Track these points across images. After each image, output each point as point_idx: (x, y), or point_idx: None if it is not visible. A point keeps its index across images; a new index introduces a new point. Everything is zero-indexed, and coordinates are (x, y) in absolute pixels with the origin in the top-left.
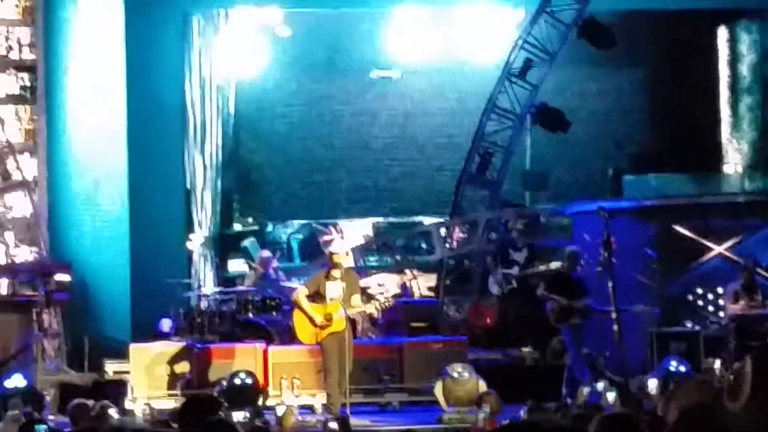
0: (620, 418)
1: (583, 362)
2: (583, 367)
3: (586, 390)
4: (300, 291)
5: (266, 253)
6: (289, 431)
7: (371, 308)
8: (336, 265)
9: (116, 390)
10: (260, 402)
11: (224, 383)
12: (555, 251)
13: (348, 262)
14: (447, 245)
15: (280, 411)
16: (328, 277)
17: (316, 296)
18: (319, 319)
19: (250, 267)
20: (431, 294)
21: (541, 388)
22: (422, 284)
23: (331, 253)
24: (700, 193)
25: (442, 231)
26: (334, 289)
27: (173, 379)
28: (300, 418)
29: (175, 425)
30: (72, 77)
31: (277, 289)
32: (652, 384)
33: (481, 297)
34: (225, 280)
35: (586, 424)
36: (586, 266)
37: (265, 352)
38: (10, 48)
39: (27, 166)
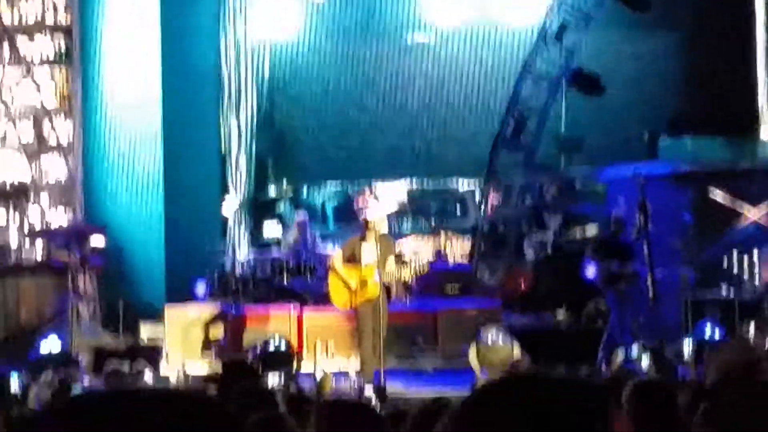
0: (654, 386)
1: (627, 328)
2: (626, 333)
3: (620, 355)
4: (336, 255)
5: (302, 217)
6: (326, 396)
7: (405, 273)
8: (371, 231)
9: (151, 354)
10: (294, 366)
11: (258, 347)
12: (590, 216)
13: (383, 227)
14: (481, 210)
15: (318, 376)
16: (363, 241)
17: (351, 260)
18: (353, 283)
19: (284, 229)
20: (465, 259)
21: (576, 353)
22: (457, 249)
23: (366, 220)
24: (736, 158)
25: (477, 195)
26: (369, 253)
27: (208, 343)
28: (334, 383)
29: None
30: (107, 40)
31: (312, 254)
32: (687, 349)
33: (516, 262)
34: (260, 244)
35: (619, 388)
36: (602, 235)
37: (300, 317)
38: (45, 10)
39: (62, 130)
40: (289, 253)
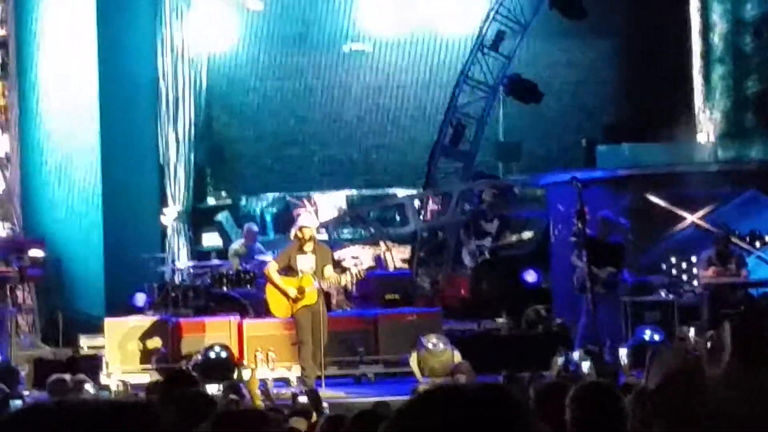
0: (597, 388)
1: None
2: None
3: (560, 359)
4: (271, 265)
5: (253, 227)
6: (260, 399)
7: (345, 280)
8: (307, 239)
9: (91, 365)
10: (235, 375)
11: (199, 357)
12: (527, 222)
13: (317, 235)
14: (420, 217)
15: (246, 375)
16: (299, 250)
17: (288, 270)
18: (292, 292)
19: (225, 239)
20: (405, 266)
21: (517, 358)
22: (396, 256)
23: (301, 227)
24: (673, 162)
25: (416, 203)
26: (305, 261)
27: (148, 354)
28: (275, 390)
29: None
30: (43, 53)
31: (252, 262)
32: (626, 353)
33: (455, 268)
34: (199, 254)
35: (562, 393)
36: (560, 236)
37: (240, 326)
38: None
39: None
40: (232, 261)
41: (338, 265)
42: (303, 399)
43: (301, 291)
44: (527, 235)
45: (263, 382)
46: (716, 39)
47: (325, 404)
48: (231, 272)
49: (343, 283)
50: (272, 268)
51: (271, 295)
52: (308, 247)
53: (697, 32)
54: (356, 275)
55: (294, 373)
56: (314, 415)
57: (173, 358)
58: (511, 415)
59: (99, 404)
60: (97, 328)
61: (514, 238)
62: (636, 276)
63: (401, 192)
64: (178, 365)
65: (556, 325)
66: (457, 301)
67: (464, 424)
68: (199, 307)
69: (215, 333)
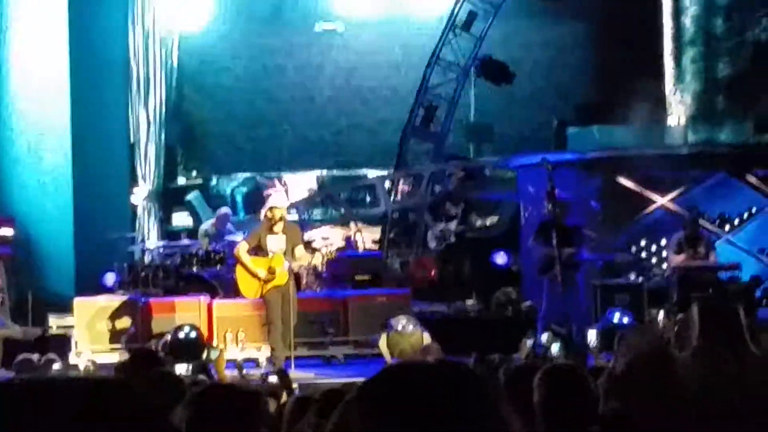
0: (564, 370)
1: (557, 314)
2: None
3: (529, 342)
4: (241, 246)
5: (226, 211)
6: (227, 380)
7: (316, 260)
8: (276, 219)
9: (60, 344)
10: (204, 356)
11: (168, 337)
12: (494, 206)
13: (287, 215)
14: (391, 198)
15: (213, 355)
16: (269, 230)
17: (258, 250)
18: (262, 273)
19: (195, 219)
20: (376, 247)
21: (486, 340)
22: (367, 237)
23: (271, 207)
24: (643, 145)
25: (387, 184)
26: (275, 242)
27: (117, 334)
28: (244, 371)
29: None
30: (13, 31)
31: (222, 242)
32: (595, 335)
33: (424, 250)
34: (169, 233)
35: (532, 375)
36: (530, 218)
37: (210, 306)
38: None
39: None
40: (201, 242)
41: (308, 246)
42: (273, 379)
43: (271, 271)
44: (492, 220)
45: (233, 363)
46: (688, 21)
47: (295, 385)
48: (201, 252)
49: (314, 263)
50: (242, 249)
51: (241, 275)
52: (278, 227)
53: (669, 14)
54: (327, 255)
55: (263, 353)
56: (284, 395)
57: (143, 338)
58: (475, 392)
59: (72, 381)
60: (66, 308)
61: (478, 222)
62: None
63: (372, 173)
64: (146, 345)
65: (525, 307)
66: (426, 282)
67: (426, 400)
68: (169, 287)
69: (185, 313)
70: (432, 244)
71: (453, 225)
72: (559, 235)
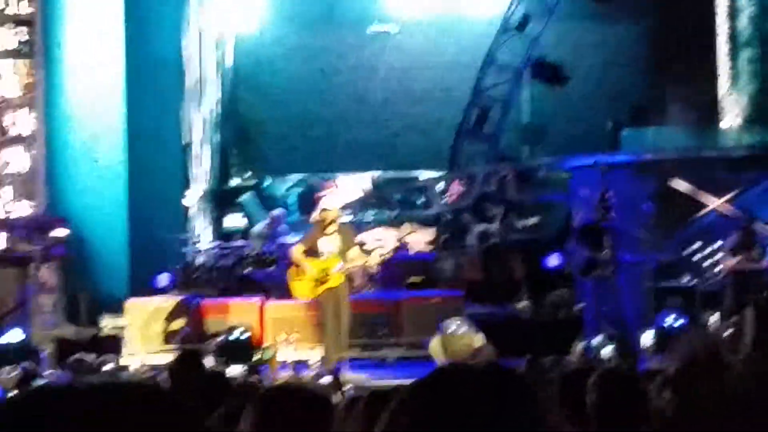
0: (617, 373)
1: (603, 316)
2: (602, 321)
3: (581, 344)
4: (296, 248)
5: (279, 211)
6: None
7: (372, 260)
8: (330, 221)
9: (113, 345)
10: (257, 357)
11: (221, 338)
12: (538, 206)
13: (342, 217)
14: (444, 200)
15: (267, 356)
16: (322, 232)
17: (312, 251)
18: (316, 275)
19: (250, 220)
20: (429, 248)
21: (539, 343)
22: (420, 239)
23: (323, 209)
24: (698, 147)
25: (440, 185)
26: (328, 243)
27: (170, 335)
28: (296, 373)
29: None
30: (70, 31)
31: (275, 244)
32: (649, 338)
33: (467, 251)
34: (222, 234)
35: (584, 379)
36: (585, 221)
37: (262, 307)
38: (7, 2)
39: (25, 121)
40: (254, 243)
41: (361, 247)
42: (326, 381)
43: (325, 273)
44: (533, 221)
45: (286, 364)
46: (744, 22)
47: (348, 386)
48: (254, 254)
49: (369, 264)
50: (298, 251)
51: (294, 277)
52: (331, 229)
53: (725, 15)
54: (383, 256)
55: (316, 355)
56: (337, 396)
57: (196, 339)
58: (524, 396)
59: (102, 386)
60: (120, 309)
61: (519, 223)
62: (660, 262)
63: (425, 174)
64: (199, 346)
65: (578, 310)
66: (477, 284)
67: (474, 403)
68: (222, 289)
69: (239, 314)
70: (473, 245)
71: (495, 226)
72: (600, 238)
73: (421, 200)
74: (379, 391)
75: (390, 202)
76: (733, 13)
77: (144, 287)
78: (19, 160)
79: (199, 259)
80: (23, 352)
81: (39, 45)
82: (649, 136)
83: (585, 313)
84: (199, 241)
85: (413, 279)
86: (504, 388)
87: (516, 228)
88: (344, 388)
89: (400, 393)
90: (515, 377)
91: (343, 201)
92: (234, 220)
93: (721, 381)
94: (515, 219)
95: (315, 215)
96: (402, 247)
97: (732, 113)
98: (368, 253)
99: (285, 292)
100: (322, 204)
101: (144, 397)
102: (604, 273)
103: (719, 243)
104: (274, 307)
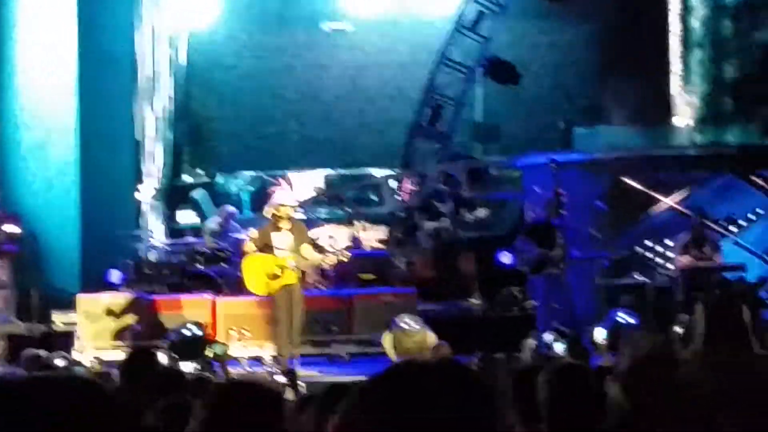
0: (570, 369)
1: (555, 313)
2: (554, 318)
3: (533, 342)
4: (248, 244)
5: (230, 209)
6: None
7: (328, 261)
8: (282, 218)
9: (65, 341)
10: (209, 353)
11: (173, 335)
12: (491, 204)
13: (294, 213)
14: (397, 197)
15: (219, 351)
16: (275, 228)
17: (265, 248)
18: (269, 271)
19: (203, 216)
20: (381, 246)
21: (491, 339)
22: (372, 236)
23: (277, 205)
24: (649, 146)
25: (392, 183)
26: (282, 240)
27: (121, 331)
28: (249, 369)
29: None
30: (22, 28)
31: (228, 240)
32: (600, 335)
33: (418, 249)
34: (174, 231)
35: (536, 375)
36: (536, 219)
37: (214, 304)
38: None
39: None
40: (206, 239)
41: (314, 245)
42: (280, 378)
43: (279, 270)
44: (483, 212)
45: (237, 360)
46: (695, 23)
47: (301, 383)
48: (206, 250)
49: (326, 264)
50: (250, 246)
51: (248, 272)
52: (285, 225)
53: (677, 16)
54: (340, 257)
55: (267, 351)
56: (290, 393)
57: (148, 336)
58: (477, 392)
59: (36, 381)
60: (71, 305)
61: (467, 217)
62: (610, 259)
63: (378, 172)
64: (151, 343)
65: (530, 307)
66: (428, 282)
67: (429, 398)
68: (174, 285)
69: (191, 311)
70: (425, 243)
71: (446, 223)
72: (551, 235)
73: (374, 198)
74: (333, 388)
75: (343, 200)
76: (685, 14)
77: (96, 283)
78: None
79: (152, 255)
80: None
81: None
82: (601, 135)
83: (537, 310)
84: (151, 238)
85: (366, 276)
86: (460, 385)
87: (466, 222)
88: (298, 385)
89: (355, 389)
90: (471, 374)
91: (296, 198)
92: (186, 217)
93: (673, 376)
94: (465, 213)
95: (268, 209)
96: (355, 244)
97: (684, 113)
98: (321, 250)
99: (237, 289)
100: (275, 200)
101: (78, 392)
102: (556, 270)
103: (670, 241)
104: (227, 303)
